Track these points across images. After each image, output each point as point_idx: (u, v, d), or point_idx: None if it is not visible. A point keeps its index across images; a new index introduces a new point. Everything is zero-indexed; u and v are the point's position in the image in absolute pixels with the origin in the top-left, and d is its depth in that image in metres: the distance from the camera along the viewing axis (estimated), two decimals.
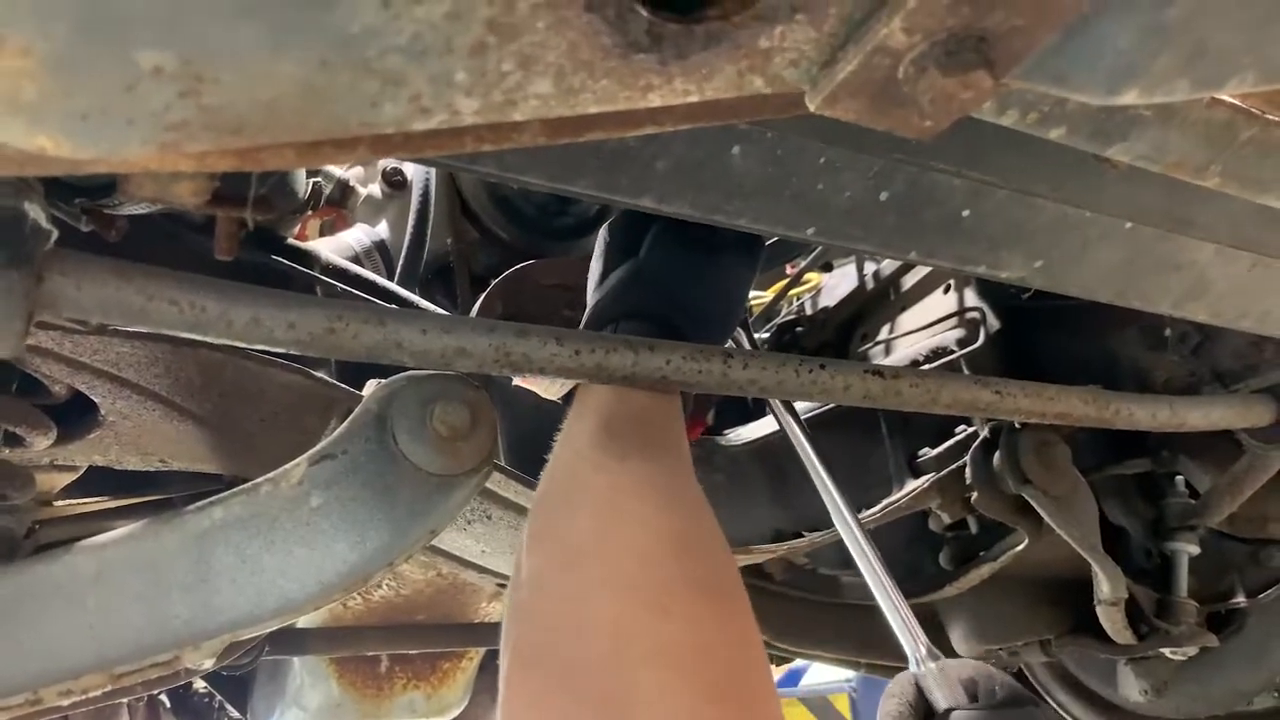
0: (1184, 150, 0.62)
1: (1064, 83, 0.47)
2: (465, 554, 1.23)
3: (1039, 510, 1.19)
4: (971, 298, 1.53)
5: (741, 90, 0.45)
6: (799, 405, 1.39)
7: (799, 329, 1.85)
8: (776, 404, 1.13)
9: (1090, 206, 0.79)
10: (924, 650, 0.89)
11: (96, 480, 1.37)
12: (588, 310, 0.95)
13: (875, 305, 1.76)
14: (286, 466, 0.81)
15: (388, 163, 1.41)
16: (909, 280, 1.69)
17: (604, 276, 0.98)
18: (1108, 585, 1.27)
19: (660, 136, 0.63)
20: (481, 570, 1.26)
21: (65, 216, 0.74)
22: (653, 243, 0.95)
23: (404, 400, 0.83)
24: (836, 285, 1.94)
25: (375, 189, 1.40)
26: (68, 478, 1.30)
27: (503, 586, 1.30)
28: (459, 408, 0.83)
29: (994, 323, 1.49)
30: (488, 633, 1.72)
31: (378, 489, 0.81)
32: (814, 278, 2.14)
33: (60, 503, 1.43)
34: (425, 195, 1.32)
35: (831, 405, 1.31)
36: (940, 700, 0.80)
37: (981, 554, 1.52)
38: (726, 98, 0.46)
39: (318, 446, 0.82)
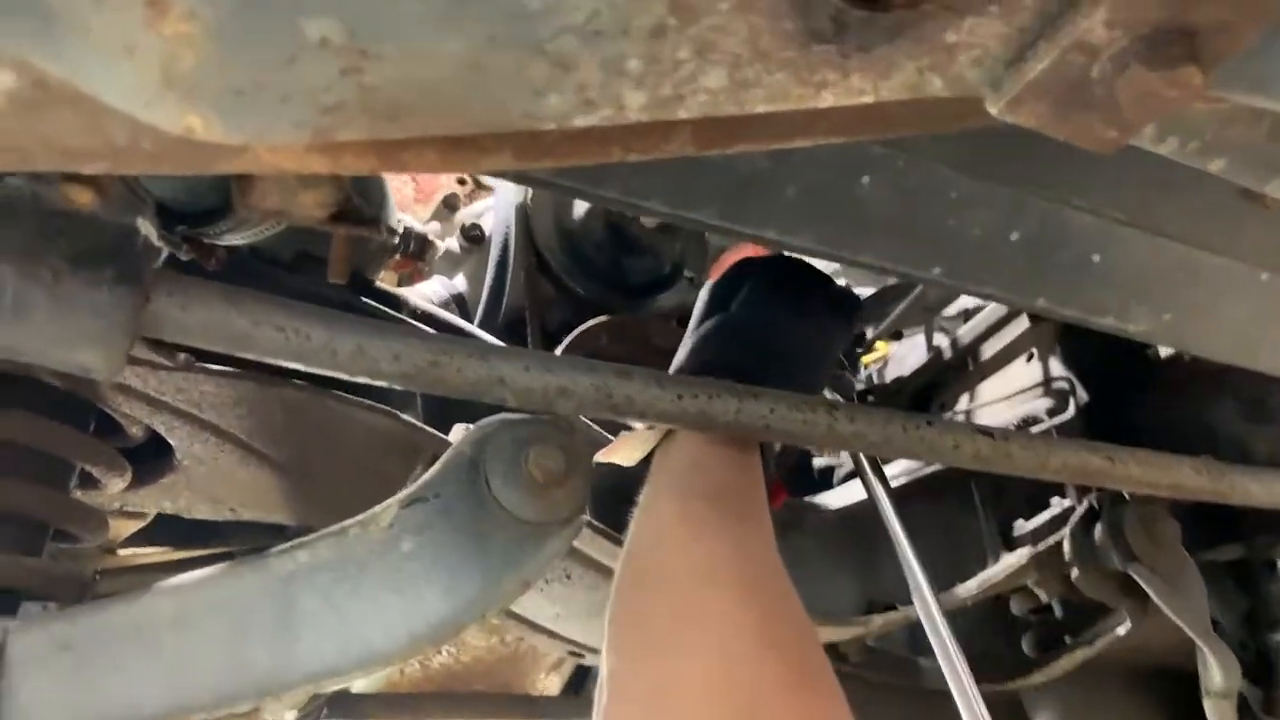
0: None
1: (1263, 89, 0.44)
2: (537, 617, 1.18)
3: (1147, 589, 1.12)
4: (1057, 367, 1.48)
5: (918, 91, 0.42)
6: (891, 469, 1.34)
7: (870, 398, 1.80)
8: (864, 463, 1.08)
9: (1226, 252, 0.75)
10: None
11: (159, 530, 1.35)
12: (673, 364, 0.92)
13: (952, 375, 1.71)
14: (376, 509, 0.78)
15: (466, 216, 1.41)
16: (988, 349, 1.64)
17: (697, 327, 0.95)
18: (1220, 676, 1.18)
19: (792, 160, 0.60)
20: (553, 635, 1.21)
21: (166, 245, 0.73)
22: (744, 298, 0.92)
23: (498, 443, 0.80)
24: (906, 355, 1.90)
25: (453, 243, 1.39)
26: (134, 525, 1.28)
27: (574, 654, 1.24)
28: (554, 452, 0.79)
29: (1083, 394, 1.43)
30: (547, 706, 1.66)
31: (470, 534, 0.78)
32: (882, 347, 2.10)
33: (124, 551, 1.41)
34: (505, 248, 1.31)
35: (924, 471, 1.26)
36: None
37: (1066, 639, 1.45)
38: (897, 101, 0.43)
39: (408, 489, 0.78)
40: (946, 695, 1.73)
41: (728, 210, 0.62)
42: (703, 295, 0.98)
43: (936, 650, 0.96)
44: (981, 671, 1.61)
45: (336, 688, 0.76)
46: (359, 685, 1.58)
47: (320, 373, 0.66)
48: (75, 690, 0.76)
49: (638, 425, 0.87)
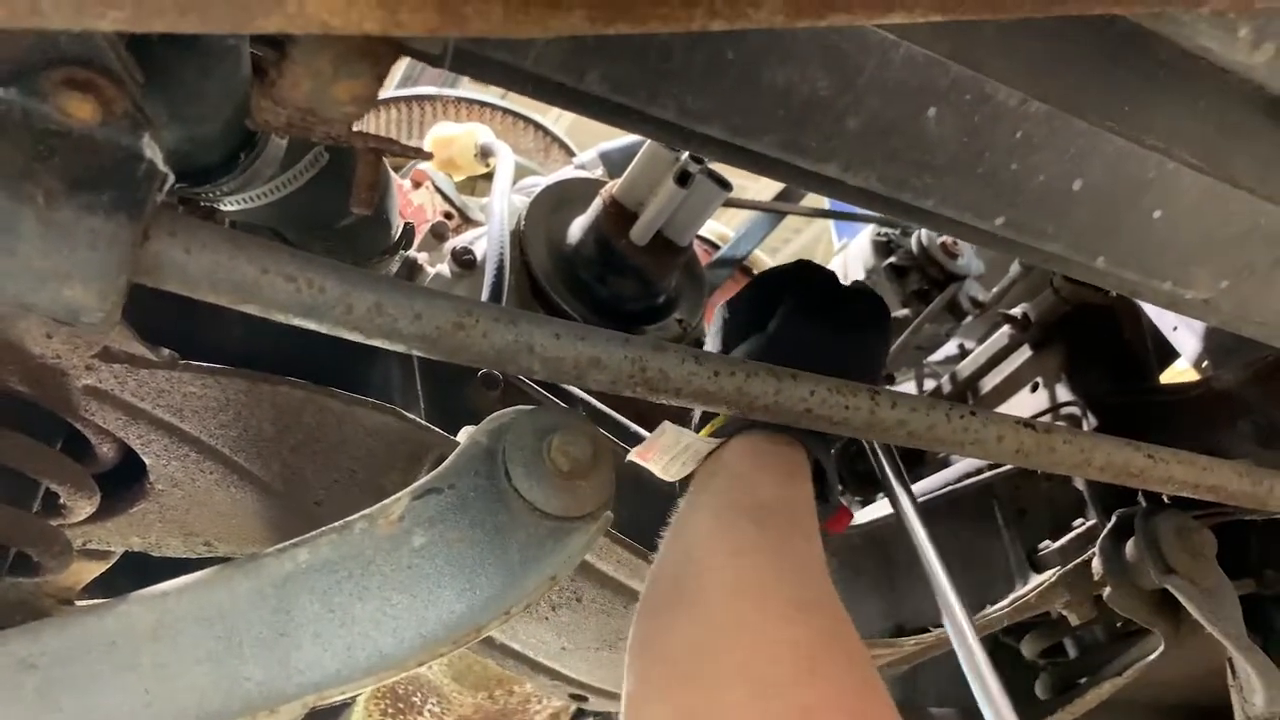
0: None
1: None
2: (539, 653, 1.09)
3: (1186, 603, 1.06)
4: (1065, 394, 1.45)
5: None
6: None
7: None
8: (892, 481, 1.02)
9: None
10: None
11: (119, 582, 1.25)
12: None
13: None
14: (385, 502, 0.71)
15: (458, 243, 1.36)
16: (988, 383, 1.61)
17: (726, 351, 0.90)
18: (1263, 696, 1.12)
19: (856, 86, 0.56)
20: (555, 676, 1.12)
21: None
22: (784, 316, 0.87)
23: (518, 432, 0.73)
24: None
25: (444, 269, 1.34)
26: (97, 569, 1.18)
27: (576, 697, 1.15)
28: (579, 439, 0.73)
29: (1093, 419, 1.40)
30: None
31: (488, 529, 0.71)
32: None
33: (82, 604, 1.30)
34: (500, 273, 1.26)
35: (943, 492, 1.21)
36: None
37: (1081, 681, 1.38)
38: None
39: (421, 480, 0.71)
40: None
41: (789, 141, 0.57)
42: (721, 311, 0.93)
43: (969, 676, 0.89)
44: None
45: (341, 698, 0.67)
46: None
47: (332, 332, 0.60)
48: (39, 713, 0.67)
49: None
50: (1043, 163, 0.63)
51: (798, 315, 0.89)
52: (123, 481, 1.02)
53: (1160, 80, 0.60)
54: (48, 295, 0.51)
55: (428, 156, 0.58)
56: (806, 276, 0.95)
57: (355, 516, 0.70)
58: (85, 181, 0.51)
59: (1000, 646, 1.57)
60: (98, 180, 0.51)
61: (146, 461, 0.96)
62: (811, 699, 0.55)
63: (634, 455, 0.82)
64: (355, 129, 0.50)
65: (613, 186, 1.28)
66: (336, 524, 0.70)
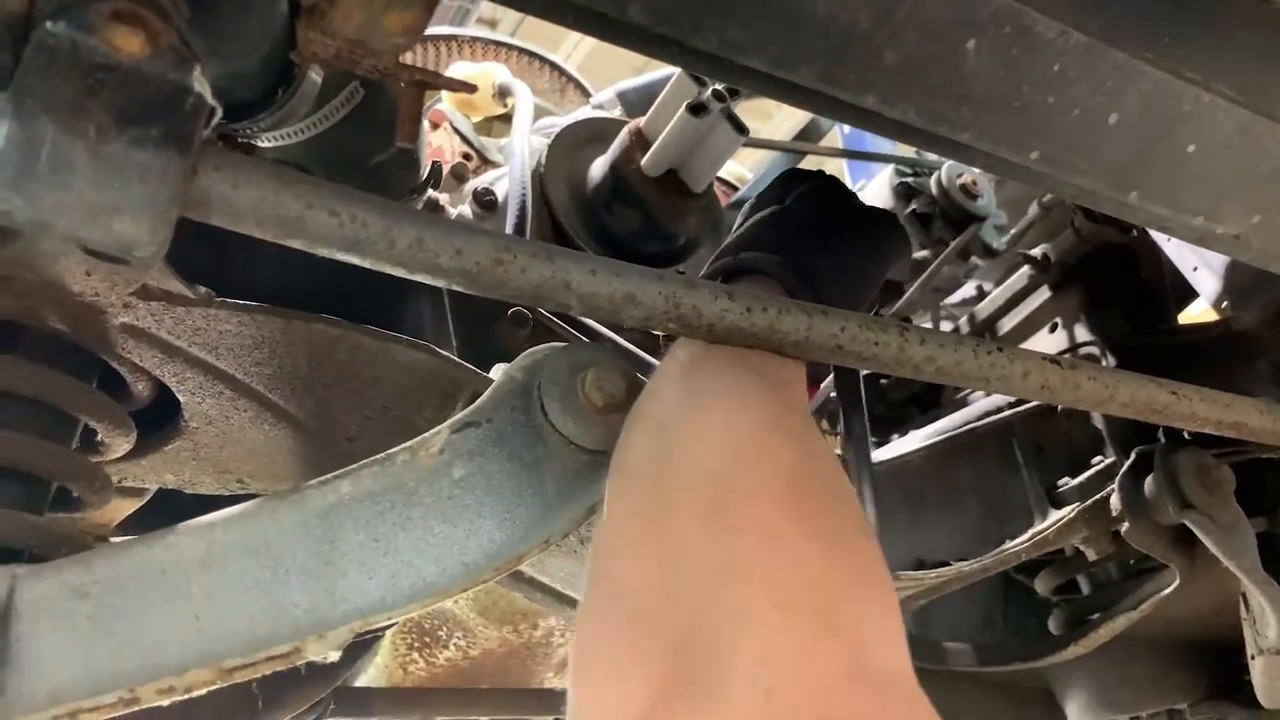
0: None
1: None
2: (568, 586, 1.12)
3: (1204, 538, 1.08)
4: (1083, 334, 1.46)
5: None
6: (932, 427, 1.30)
7: (884, 379, 1.76)
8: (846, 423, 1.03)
9: None
10: None
11: (151, 522, 1.27)
12: (724, 247, 0.88)
13: None
14: (425, 435, 0.72)
15: (479, 183, 1.36)
16: (1007, 324, 1.62)
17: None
18: (1276, 629, 1.14)
19: (895, 20, 0.56)
20: None
21: None
22: (803, 192, 0.89)
23: (553, 367, 0.74)
24: None
25: (466, 209, 1.34)
26: (131, 505, 1.20)
27: None
28: (613, 375, 0.74)
29: (1112, 359, 1.41)
30: (559, 699, 1.59)
31: (525, 462, 0.72)
32: None
33: (116, 540, 1.33)
34: (521, 214, 1.26)
35: (964, 429, 1.22)
36: None
37: (1094, 617, 1.41)
38: None
39: (459, 415, 0.73)
40: (973, 679, 1.69)
41: (826, 72, 0.57)
42: (749, 204, 0.94)
43: None
44: (1009, 651, 1.57)
45: (387, 623, 0.69)
46: (365, 679, 1.51)
47: (375, 266, 0.61)
48: (93, 639, 0.69)
49: None
50: (1079, 96, 0.63)
51: (816, 192, 0.91)
52: (156, 419, 1.03)
53: (1199, 10, 0.60)
54: (100, 229, 0.52)
55: (472, 89, 0.59)
56: (831, 177, 0.97)
57: (396, 449, 0.72)
58: (134, 115, 0.51)
59: (1013, 584, 1.59)
60: (146, 114, 0.51)
61: (181, 399, 0.97)
62: (758, 477, 0.59)
63: None
64: (401, 61, 0.51)
65: (641, 119, 1.29)
66: (378, 456, 0.72)
